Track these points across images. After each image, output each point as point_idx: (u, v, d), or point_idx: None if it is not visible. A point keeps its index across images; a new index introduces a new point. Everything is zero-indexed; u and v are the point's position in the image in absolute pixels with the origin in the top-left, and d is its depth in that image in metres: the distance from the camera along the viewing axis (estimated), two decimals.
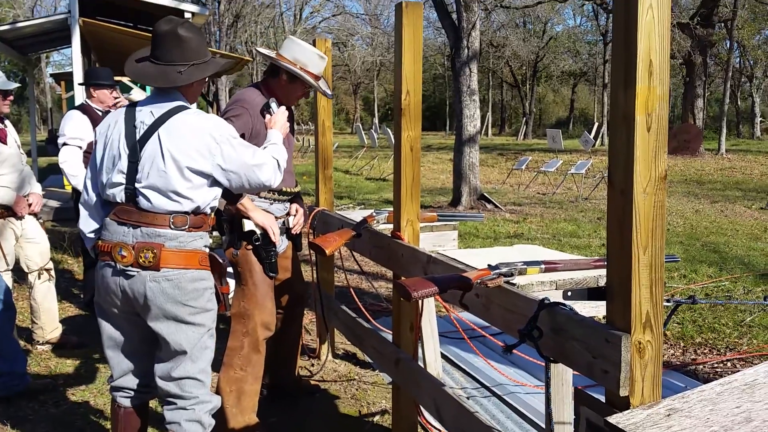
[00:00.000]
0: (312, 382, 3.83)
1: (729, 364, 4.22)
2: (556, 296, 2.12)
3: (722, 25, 23.89)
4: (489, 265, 1.97)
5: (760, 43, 31.77)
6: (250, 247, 3.04)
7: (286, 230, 3.25)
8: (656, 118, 1.42)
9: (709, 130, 29.83)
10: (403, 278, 2.66)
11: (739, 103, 35.86)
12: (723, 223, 9.61)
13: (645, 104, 1.40)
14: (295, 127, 3.80)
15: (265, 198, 3.10)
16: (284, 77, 3.08)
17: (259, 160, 2.42)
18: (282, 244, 3.26)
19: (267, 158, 2.48)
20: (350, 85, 45.55)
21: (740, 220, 9.95)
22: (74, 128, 4.79)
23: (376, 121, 40.08)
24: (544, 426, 3.00)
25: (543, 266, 2.02)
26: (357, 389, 3.80)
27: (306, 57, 3.06)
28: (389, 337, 3.14)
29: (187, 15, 9.82)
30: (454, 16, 11.33)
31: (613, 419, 1.30)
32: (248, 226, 3.02)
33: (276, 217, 3.12)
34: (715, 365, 4.21)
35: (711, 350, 4.47)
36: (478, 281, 1.92)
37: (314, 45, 3.87)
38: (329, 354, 4.18)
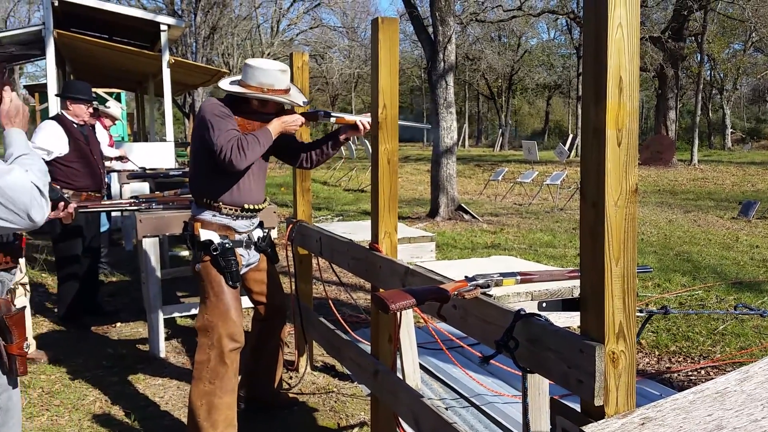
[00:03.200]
0: (290, 395, 3.82)
1: (703, 371, 4.28)
2: (531, 307, 2.15)
3: (693, 39, 24.35)
4: (466, 277, 1.99)
5: (729, 57, 32.41)
6: (207, 258, 3.04)
7: (254, 244, 3.26)
8: (626, 133, 1.45)
9: (682, 141, 30.33)
10: (381, 290, 2.67)
11: (710, 114, 36.49)
12: (696, 233, 9.76)
13: (615, 119, 1.44)
14: None
15: (227, 215, 3.10)
16: (255, 103, 3.10)
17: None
18: (251, 257, 3.27)
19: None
20: (328, 97, 45.57)
21: (713, 230, 10.11)
22: (43, 138, 4.76)
23: None
24: None
25: (519, 277, 2.04)
26: (335, 401, 3.79)
27: (270, 78, 3.04)
28: (368, 349, 3.14)
29: (163, 27, 9.78)
30: (430, 29, 11.40)
31: (589, 428, 1.33)
32: (204, 236, 3.03)
33: (239, 233, 3.14)
34: (690, 373, 4.27)
35: (685, 358, 4.53)
36: (456, 293, 1.94)
37: (291, 59, 3.88)
38: (308, 366, 4.17)
